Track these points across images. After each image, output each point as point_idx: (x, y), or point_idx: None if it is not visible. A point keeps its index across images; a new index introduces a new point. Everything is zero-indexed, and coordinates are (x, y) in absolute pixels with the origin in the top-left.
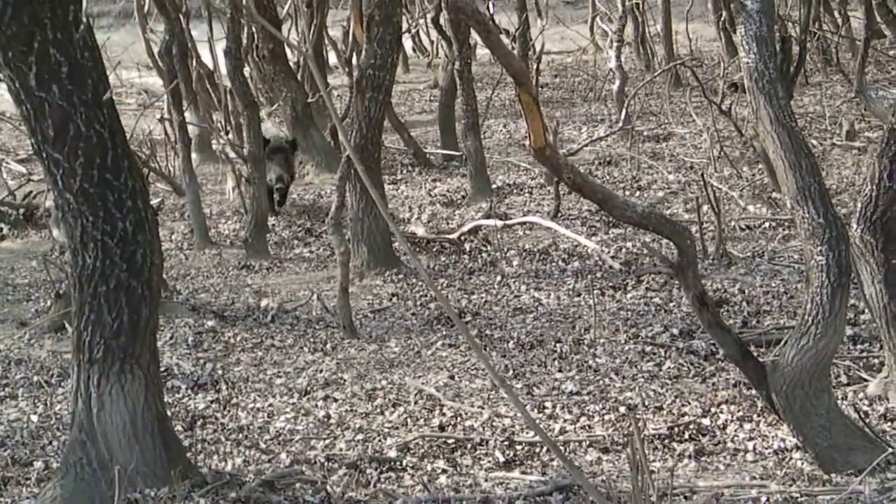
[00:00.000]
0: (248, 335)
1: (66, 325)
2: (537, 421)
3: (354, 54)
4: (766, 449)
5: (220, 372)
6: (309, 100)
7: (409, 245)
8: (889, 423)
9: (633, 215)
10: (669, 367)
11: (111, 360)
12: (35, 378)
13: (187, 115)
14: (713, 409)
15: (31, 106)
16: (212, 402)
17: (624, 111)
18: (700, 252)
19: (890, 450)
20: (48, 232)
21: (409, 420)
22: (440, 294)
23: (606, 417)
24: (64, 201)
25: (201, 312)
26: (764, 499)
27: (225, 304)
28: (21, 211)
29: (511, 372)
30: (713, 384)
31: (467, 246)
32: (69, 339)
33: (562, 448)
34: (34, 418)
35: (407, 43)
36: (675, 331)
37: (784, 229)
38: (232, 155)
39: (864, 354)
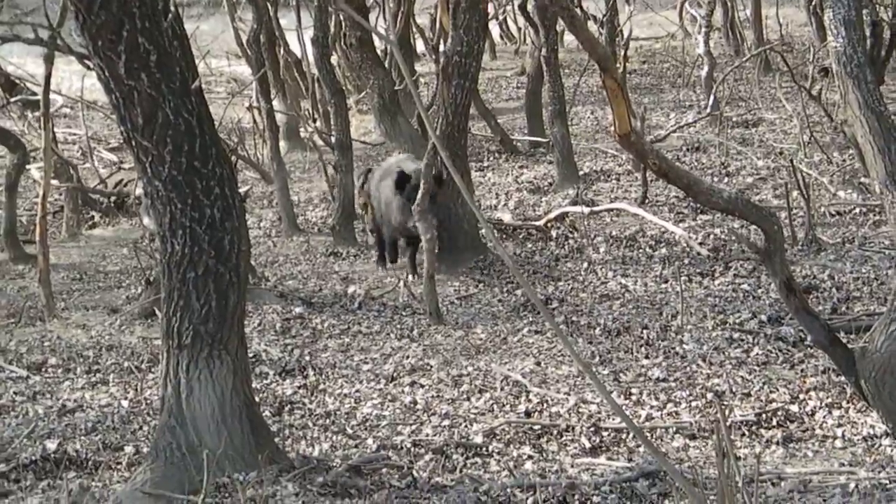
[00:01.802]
0: (335, 322)
1: (157, 312)
2: (623, 407)
3: (441, 41)
4: (855, 435)
5: (307, 358)
6: (396, 87)
7: (495, 232)
8: None
9: (718, 201)
10: (757, 354)
11: (200, 346)
12: (126, 364)
13: (275, 103)
14: (801, 396)
15: (121, 94)
16: (299, 387)
17: (712, 97)
18: (789, 238)
19: None
20: (139, 219)
21: (495, 406)
22: (524, 281)
23: (693, 404)
24: (153, 189)
25: (289, 299)
26: (853, 485)
27: (312, 290)
28: (112, 199)
29: (598, 358)
30: (802, 371)
31: (554, 233)
32: (159, 326)
33: (648, 435)
34: (125, 403)
35: (494, 30)
36: (764, 317)
37: (875, 215)
38: (320, 143)
39: None
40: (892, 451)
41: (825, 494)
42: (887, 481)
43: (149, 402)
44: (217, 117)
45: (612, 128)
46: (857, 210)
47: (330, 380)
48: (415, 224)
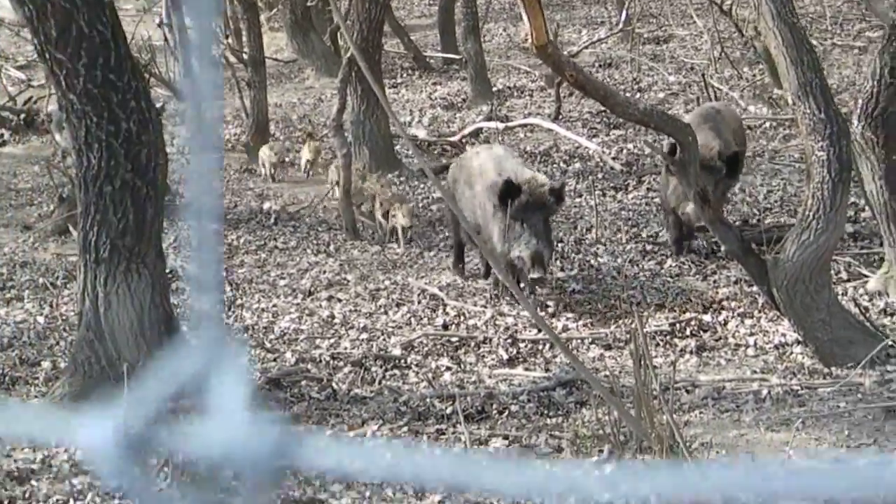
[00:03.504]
0: (251, 237)
1: (70, 229)
2: None
3: None
4: (767, 344)
5: (224, 273)
6: (308, 3)
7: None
8: (889, 318)
9: (634, 112)
10: (671, 266)
11: (117, 260)
12: (40, 280)
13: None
14: (714, 306)
15: (34, 7)
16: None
17: (624, 13)
18: None
19: (889, 342)
20: (50, 137)
21: (412, 319)
22: (444, 191)
23: (609, 315)
24: (67, 102)
25: None
26: (765, 392)
27: (227, 207)
28: (22, 116)
29: None
30: (714, 282)
31: (469, 148)
32: (73, 242)
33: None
34: (40, 319)
35: None
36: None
37: (784, 129)
38: (232, 60)
39: (865, 251)
40: (803, 358)
41: (738, 401)
42: (798, 387)
43: (65, 317)
44: (128, 35)
45: (529, 40)
46: (768, 124)
47: (247, 295)
48: (520, 255)
